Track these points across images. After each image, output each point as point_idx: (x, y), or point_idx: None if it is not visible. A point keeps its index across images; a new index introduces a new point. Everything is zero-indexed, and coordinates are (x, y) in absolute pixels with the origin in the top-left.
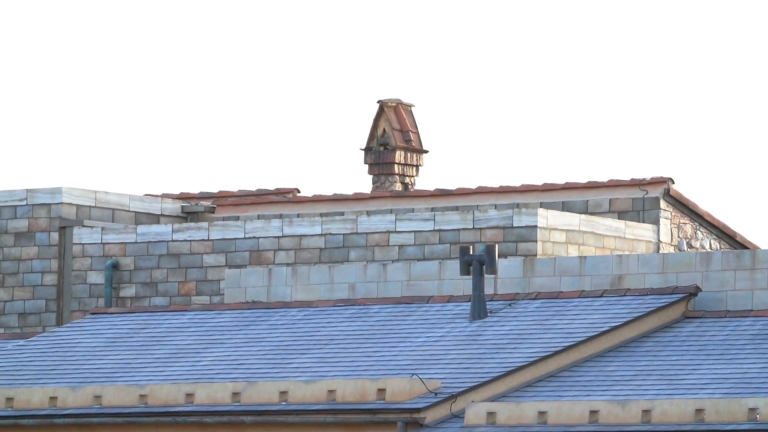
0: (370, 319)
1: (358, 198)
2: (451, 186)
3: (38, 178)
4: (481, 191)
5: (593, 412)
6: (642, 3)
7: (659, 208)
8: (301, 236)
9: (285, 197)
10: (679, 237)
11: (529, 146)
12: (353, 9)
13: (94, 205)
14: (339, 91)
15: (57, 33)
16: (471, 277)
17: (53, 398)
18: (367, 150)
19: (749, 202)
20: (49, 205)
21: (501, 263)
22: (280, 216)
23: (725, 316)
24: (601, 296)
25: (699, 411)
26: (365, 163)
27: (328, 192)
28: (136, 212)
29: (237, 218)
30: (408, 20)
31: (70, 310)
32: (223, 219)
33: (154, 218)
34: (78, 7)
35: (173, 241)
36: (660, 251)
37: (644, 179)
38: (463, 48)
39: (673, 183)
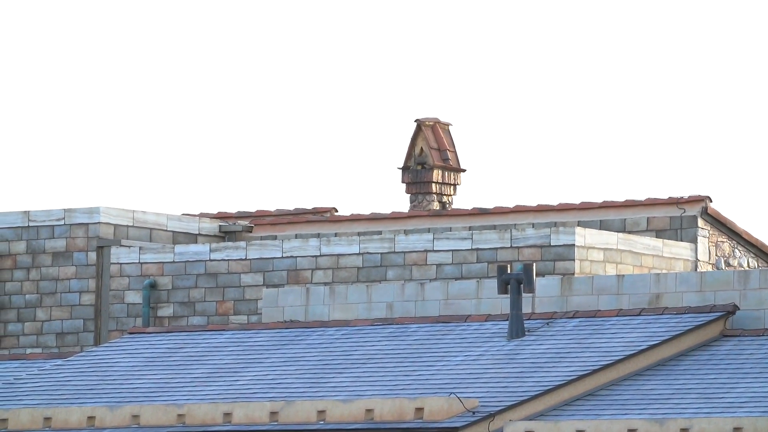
0: (408, 338)
1: (395, 217)
2: (489, 205)
3: (76, 197)
4: (519, 210)
5: (631, 431)
6: (684, 21)
7: (697, 227)
8: (338, 255)
9: (323, 216)
10: (716, 255)
11: (567, 165)
12: (391, 29)
13: (131, 224)
14: (376, 110)
15: (96, 54)
16: (509, 295)
17: (91, 418)
18: (405, 169)
19: None
20: (87, 224)
21: (539, 282)
22: (318, 235)
23: (763, 335)
24: (639, 315)
25: (737, 429)
26: (403, 182)
27: (366, 211)
28: (173, 232)
29: (275, 237)
30: (445, 40)
31: (108, 330)
32: (261, 238)
33: (192, 238)
34: (113, 28)
35: (211, 260)
36: (698, 270)
37: (682, 198)
38: (500, 67)
39: (711, 201)
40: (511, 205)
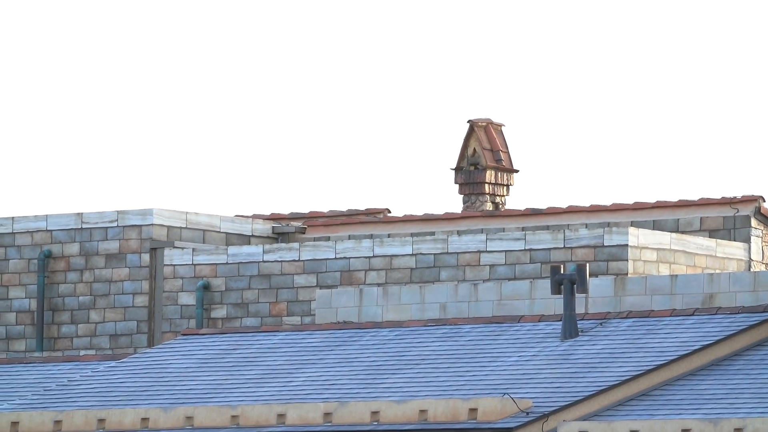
0: (462, 338)
1: (448, 218)
2: (542, 205)
3: (129, 199)
4: (572, 210)
5: (685, 431)
6: (747, 18)
7: (750, 227)
8: (392, 256)
9: (376, 217)
10: None
11: (620, 165)
12: (444, 30)
13: (185, 226)
14: (429, 111)
15: (152, 57)
16: (562, 296)
17: (145, 419)
18: (458, 170)
19: None
20: (140, 226)
21: (592, 282)
22: (371, 236)
23: None
24: (693, 315)
25: None
26: (456, 182)
27: (419, 212)
28: (227, 233)
29: (328, 238)
30: (498, 41)
31: (162, 332)
32: (314, 239)
33: (245, 239)
34: (162, 33)
35: (264, 261)
36: (751, 269)
37: (735, 197)
38: (552, 67)
39: (764, 201)
40: (564, 205)
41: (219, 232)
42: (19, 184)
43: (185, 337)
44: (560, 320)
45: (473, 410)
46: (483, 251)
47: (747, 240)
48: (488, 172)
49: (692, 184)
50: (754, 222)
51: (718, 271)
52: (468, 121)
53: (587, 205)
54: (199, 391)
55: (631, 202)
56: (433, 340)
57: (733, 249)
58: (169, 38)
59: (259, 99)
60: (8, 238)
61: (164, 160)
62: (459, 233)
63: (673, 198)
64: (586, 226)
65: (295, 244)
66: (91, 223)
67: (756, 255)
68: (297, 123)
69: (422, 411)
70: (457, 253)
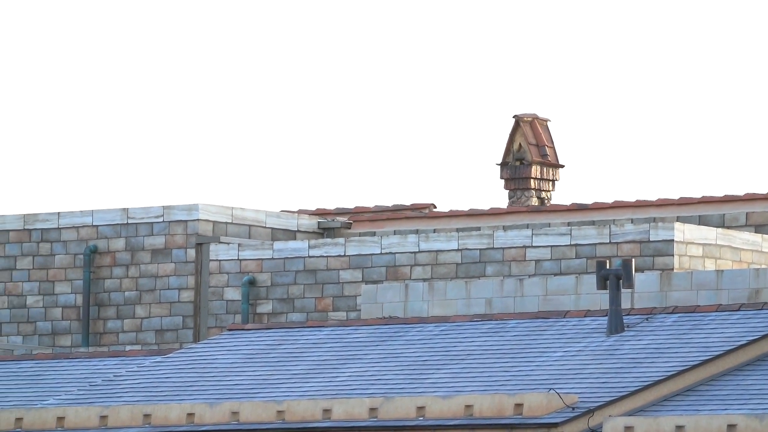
0: (507, 333)
1: (494, 213)
2: (588, 200)
3: (175, 194)
4: (618, 205)
5: (731, 426)
6: None
7: None
8: (437, 251)
9: (421, 212)
10: None
11: (666, 160)
12: (490, 25)
13: (230, 221)
14: (475, 106)
15: (198, 53)
16: (608, 291)
17: (191, 414)
18: (503, 165)
19: None
20: (186, 221)
21: (638, 277)
22: (417, 231)
23: None
24: (738, 310)
25: None
26: (501, 178)
27: (465, 207)
28: (272, 228)
29: (373, 234)
30: (543, 35)
31: (207, 327)
32: (360, 234)
33: (291, 234)
34: (220, 33)
35: (310, 257)
36: None
37: None
38: (598, 62)
39: None
40: (609, 200)
41: (265, 227)
42: (65, 180)
43: (231, 332)
44: (606, 315)
45: (519, 405)
46: (528, 246)
47: None
48: (534, 167)
49: (738, 179)
50: None
51: (764, 267)
52: (514, 116)
53: (633, 200)
54: (244, 386)
55: (676, 197)
56: (479, 336)
57: None
58: (217, 33)
59: (307, 94)
60: (54, 234)
61: (210, 156)
62: (504, 228)
63: (719, 193)
64: (632, 221)
65: (341, 240)
66: (136, 218)
67: None
68: (344, 118)
69: (468, 406)
70: (503, 248)
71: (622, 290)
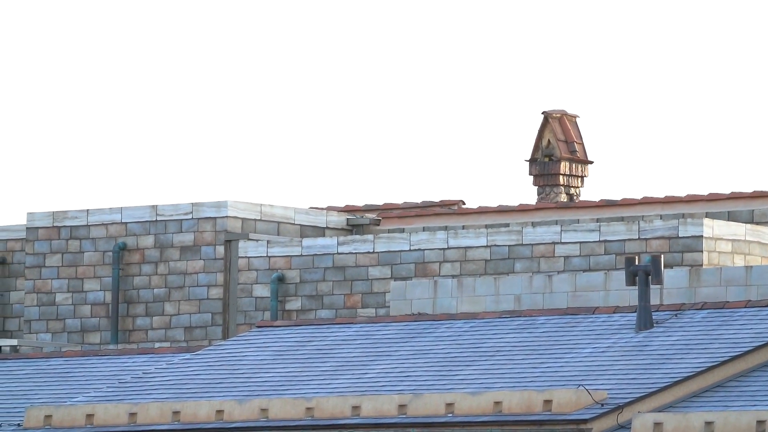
0: (536, 330)
1: (523, 209)
2: (617, 196)
3: (204, 191)
4: (647, 201)
5: (760, 422)
6: None
7: None
8: (466, 248)
9: (450, 209)
10: None
11: (695, 156)
12: (519, 22)
13: (259, 218)
14: (504, 102)
15: (225, 50)
16: (637, 287)
17: (220, 411)
18: (532, 161)
19: None
20: (215, 218)
21: (667, 273)
22: (446, 228)
23: None
24: None
25: None
26: (530, 174)
27: (493, 203)
28: (301, 225)
29: (402, 230)
30: (572, 31)
31: (236, 324)
32: (389, 231)
33: (320, 231)
34: (249, 30)
35: (339, 253)
36: None
37: None
38: (627, 58)
39: None
40: (638, 196)
41: (293, 224)
42: (94, 177)
43: (260, 329)
44: (635, 312)
45: (548, 402)
46: (557, 243)
47: None
48: (563, 164)
49: (767, 174)
50: None
51: None
52: (542, 113)
53: (662, 196)
54: (273, 383)
55: (705, 193)
56: (508, 332)
57: None
58: (243, 30)
59: (336, 92)
60: (83, 231)
61: (239, 152)
62: (533, 225)
63: (748, 189)
64: (661, 217)
65: (370, 236)
66: (165, 215)
67: None
68: (374, 115)
69: (497, 403)
70: (532, 244)
71: (651, 286)
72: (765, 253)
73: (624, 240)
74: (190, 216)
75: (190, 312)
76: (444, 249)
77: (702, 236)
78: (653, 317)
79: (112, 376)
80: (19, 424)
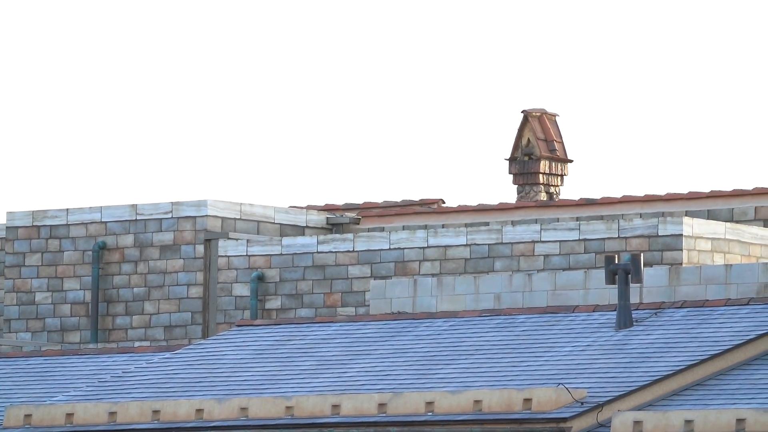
0: (516, 329)
1: (502, 208)
2: (596, 195)
3: (183, 190)
4: (626, 200)
5: (740, 421)
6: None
7: None
8: (446, 247)
9: (430, 208)
10: None
11: (674, 155)
12: (497, 21)
13: (239, 217)
14: (483, 101)
15: (203, 48)
16: (616, 286)
17: (199, 410)
18: (512, 160)
19: None
20: (195, 217)
21: (646, 272)
22: (425, 227)
23: None
24: (747, 304)
25: None
26: (510, 173)
27: (473, 202)
28: (281, 224)
29: (382, 229)
30: (551, 31)
31: (216, 323)
32: (368, 230)
33: (299, 230)
34: (224, 27)
35: (318, 252)
36: None
37: None
38: (606, 57)
39: None
40: (618, 195)
41: (273, 223)
42: (74, 176)
43: (240, 328)
44: (615, 310)
45: (528, 400)
46: (537, 241)
47: None
48: (542, 162)
49: (747, 173)
50: None
51: None
52: (522, 111)
53: (641, 194)
54: (253, 382)
55: (685, 191)
56: (488, 331)
57: None
58: (221, 28)
59: (314, 90)
60: (63, 230)
61: (219, 152)
62: (513, 223)
63: (728, 187)
64: (641, 215)
65: (350, 235)
66: (145, 214)
67: None
68: (353, 114)
69: (477, 401)
70: (512, 243)
71: (631, 285)
72: (745, 252)
73: (604, 239)
74: (169, 215)
75: (169, 311)
76: (424, 248)
77: (682, 235)
78: (633, 316)
79: (91, 375)
80: None
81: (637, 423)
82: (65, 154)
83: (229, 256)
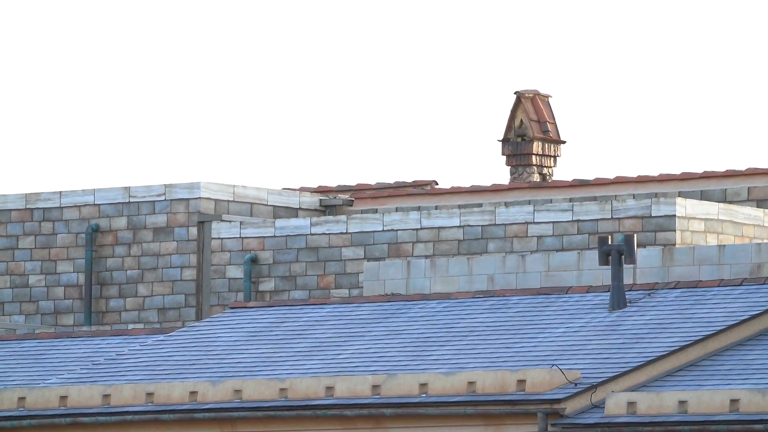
0: (509, 310)
1: (496, 189)
2: (589, 176)
3: (176, 173)
4: (620, 181)
5: (734, 401)
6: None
7: None
8: (439, 228)
9: (423, 189)
10: None
11: (668, 135)
12: (491, 2)
13: (232, 199)
14: (476, 82)
15: (198, 33)
16: (610, 267)
17: (193, 393)
18: (505, 141)
19: None
20: (188, 200)
21: (640, 253)
22: (419, 208)
23: None
24: (741, 285)
25: None
26: (503, 154)
27: (466, 184)
28: (274, 206)
29: (375, 211)
30: (544, 11)
31: (210, 305)
32: (362, 212)
33: (293, 212)
34: (220, 13)
35: (312, 234)
36: None
37: None
38: (599, 38)
39: None
40: (611, 176)
41: (266, 205)
42: (67, 159)
43: (233, 310)
44: (608, 291)
45: (521, 382)
46: (530, 223)
47: None
48: (535, 144)
49: (739, 153)
50: None
51: (766, 241)
52: (515, 93)
53: (635, 175)
54: (247, 364)
55: (678, 172)
56: (481, 312)
57: None
58: (213, 12)
59: (306, 72)
60: (56, 213)
61: (212, 134)
62: (506, 205)
63: (721, 168)
64: (634, 196)
65: (343, 217)
66: (138, 197)
67: None
68: (346, 95)
69: (470, 383)
70: (505, 224)
71: (624, 266)
72: (738, 233)
73: (597, 220)
74: (163, 197)
75: (163, 293)
76: (417, 229)
77: (675, 215)
78: (626, 297)
79: (85, 357)
80: None
81: (631, 404)
82: (58, 136)
83: (222, 239)
